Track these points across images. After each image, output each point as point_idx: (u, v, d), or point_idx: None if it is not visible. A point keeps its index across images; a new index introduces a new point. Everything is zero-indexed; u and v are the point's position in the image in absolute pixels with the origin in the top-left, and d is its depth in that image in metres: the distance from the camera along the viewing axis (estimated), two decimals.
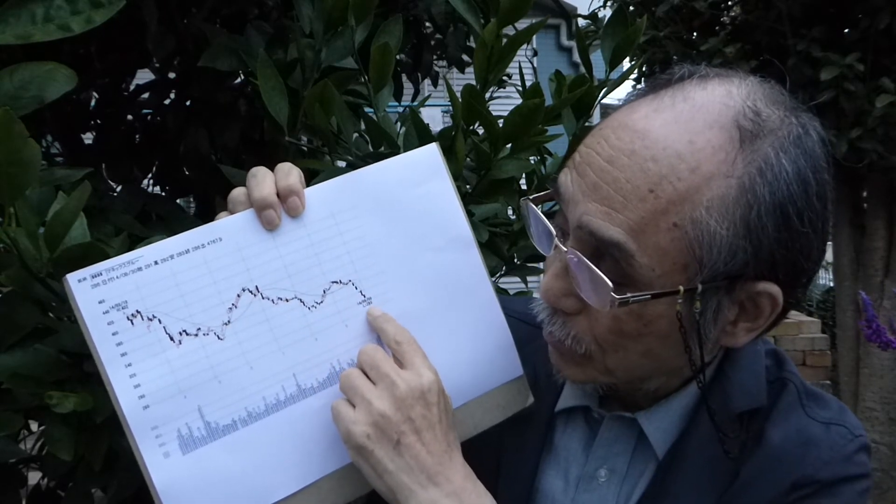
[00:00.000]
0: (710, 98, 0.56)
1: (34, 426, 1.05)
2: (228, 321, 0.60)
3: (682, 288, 0.55)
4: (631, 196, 0.54)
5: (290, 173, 0.62)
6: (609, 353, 0.61)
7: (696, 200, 0.54)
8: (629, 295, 0.55)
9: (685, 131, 0.55)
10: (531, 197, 0.65)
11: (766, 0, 3.29)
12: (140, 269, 0.57)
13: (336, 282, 0.63)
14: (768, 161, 0.54)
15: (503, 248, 1.16)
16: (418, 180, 0.66)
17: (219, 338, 0.59)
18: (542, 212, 0.64)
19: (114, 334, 0.56)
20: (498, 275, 1.22)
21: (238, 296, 0.60)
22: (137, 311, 0.57)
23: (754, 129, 0.55)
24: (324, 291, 0.63)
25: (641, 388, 0.66)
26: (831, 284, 5.53)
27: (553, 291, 0.60)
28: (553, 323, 0.62)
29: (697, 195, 0.54)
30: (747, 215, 0.54)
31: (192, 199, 1.39)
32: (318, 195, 0.63)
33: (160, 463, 0.58)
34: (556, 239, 0.60)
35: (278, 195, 0.61)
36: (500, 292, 1.12)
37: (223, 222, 0.60)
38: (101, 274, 0.56)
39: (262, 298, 0.60)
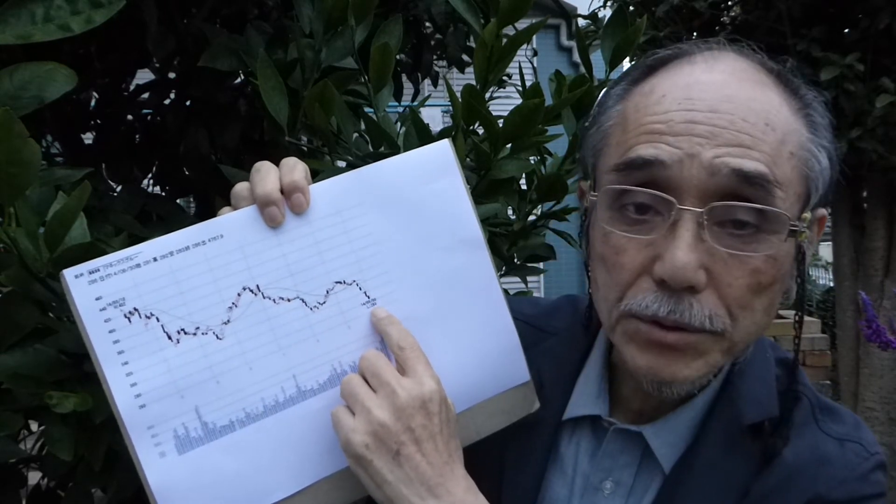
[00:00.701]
0: (733, 55, 0.61)
1: (34, 426, 1.05)
2: (228, 320, 0.59)
3: (808, 214, 0.59)
4: (754, 131, 0.56)
5: (294, 168, 0.60)
6: (739, 321, 0.58)
7: (798, 130, 0.58)
8: (806, 213, 0.58)
9: (749, 78, 0.59)
10: (605, 186, 0.61)
11: (766, 0, 3.29)
12: (138, 265, 0.56)
13: (340, 282, 0.62)
14: (808, 90, 0.61)
15: (503, 248, 1.16)
16: (429, 178, 0.63)
17: (218, 337, 0.58)
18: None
19: (110, 332, 0.56)
20: (498, 275, 1.22)
21: (239, 294, 0.59)
22: (135, 309, 0.56)
23: (782, 70, 0.61)
24: (327, 291, 0.61)
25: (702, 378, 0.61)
26: (831, 284, 5.54)
27: (692, 265, 0.55)
28: (682, 311, 0.56)
29: (796, 125, 0.58)
30: (823, 138, 0.60)
31: (192, 199, 1.39)
32: (325, 192, 0.61)
33: (156, 463, 0.57)
34: (683, 206, 0.55)
35: (282, 191, 0.59)
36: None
37: (225, 218, 0.59)
38: (98, 270, 0.55)
39: (264, 298, 0.59)
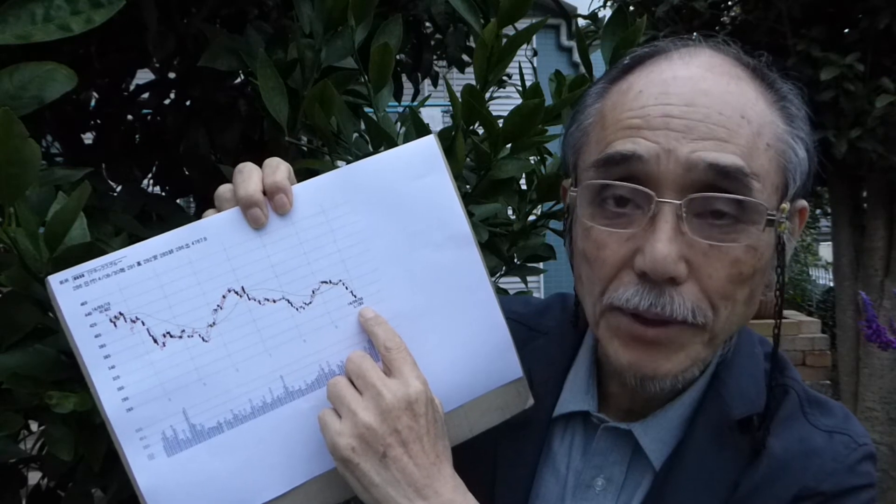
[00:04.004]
0: (710, 50, 0.61)
1: (34, 426, 1.05)
2: (213, 322, 0.59)
3: (787, 205, 0.59)
4: (730, 124, 0.56)
5: (277, 169, 0.60)
6: (720, 312, 0.58)
7: (774, 121, 0.59)
8: (784, 204, 0.59)
9: (725, 72, 0.59)
10: (588, 180, 0.61)
11: (766, 0, 3.29)
12: (123, 269, 0.57)
13: (326, 281, 0.61)
14: (783, 83, 0.61)
15: (503, 248, 1.16)
16: (415, 174, 0.63)
17: (203, 339, 0.58)
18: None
19: (96, 336, 0.56)
20: (498, 275, 1.22)
21: (223, 297, 0.59)
22: (120, 313, 0.56)
23: (757, 64, 0.61)
24: (313, 292, 0.61)
25: (689, 371, 0.62)
26: (831, 284, 5.54)
27: (672, 257, 0.55)
28: (664, 304, 0.57)
29: (772, 117, 0.59)
30: (800, 130, 0.60)
31: (192, 199, 1.39)
32: (309, 191, 0.61)
33: (145, 465, 0.57)
34: (661, 199, 0.56)
35: (265, 192, 0.59)
36: (500, 292, 1.12)
37: (208, 221, 0.59)
38: (83, 275, 0.56)
39: (249, 299, 0.59)
